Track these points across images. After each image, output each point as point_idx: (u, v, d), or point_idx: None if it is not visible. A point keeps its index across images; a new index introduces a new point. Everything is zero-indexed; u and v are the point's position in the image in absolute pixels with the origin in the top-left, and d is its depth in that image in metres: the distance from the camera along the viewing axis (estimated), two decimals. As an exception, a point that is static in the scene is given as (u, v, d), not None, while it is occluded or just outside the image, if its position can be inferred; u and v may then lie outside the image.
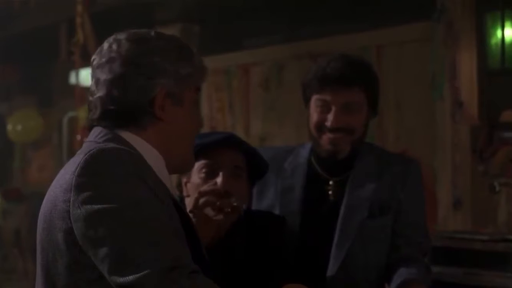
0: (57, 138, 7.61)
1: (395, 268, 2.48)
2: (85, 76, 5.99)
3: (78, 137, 5.67)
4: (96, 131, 1.76)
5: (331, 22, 5.26)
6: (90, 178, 1.59)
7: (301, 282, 1.90)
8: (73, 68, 6.03)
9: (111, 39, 1.80)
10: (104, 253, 1.54)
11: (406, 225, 2.52)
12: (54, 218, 1.64)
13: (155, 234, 1.56)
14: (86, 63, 5.61)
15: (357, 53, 2.73)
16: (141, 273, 1.51)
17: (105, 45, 1.80)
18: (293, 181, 2.59)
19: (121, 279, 1.53)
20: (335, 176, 2.57)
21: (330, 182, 2.56)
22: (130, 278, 1.52)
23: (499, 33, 4.14)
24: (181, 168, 1.89)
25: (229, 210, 2.17)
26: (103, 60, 1.77)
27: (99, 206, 1.56)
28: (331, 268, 2.46)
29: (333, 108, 2.46)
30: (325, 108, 2.47)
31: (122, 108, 1.74)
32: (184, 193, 2.34)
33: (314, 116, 2.50)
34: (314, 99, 2.50)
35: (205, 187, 2.22)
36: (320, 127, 2.48)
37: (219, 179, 2.25)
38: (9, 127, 7.26)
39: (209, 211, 2.17)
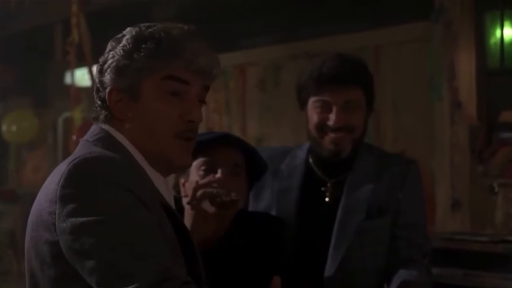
0: (52, 138, 7.58)
1: (394, 270, 2.47)
2: (80, 76, 5.97)
3: (74, 137, 5.64)
4: (91, 129, 1.75)
5: (328, 22, 5.25)
6: (74, 190, 1.56)
7: (299, 284, 1.89)
8: (68, 68, 6.01)
9: None
10: (92, 266, 1.51)
11: (405, 226, 2.51)
12: (40, 229, 1.60)
13: (143, 245, 1.52)
14: (81, 63, 5.61)
15: (355, 54, 2.71)
16: (130, 286, 1.47)
17: None
18: (290, 183, 2.58)
19: None
20: (333, 177, 2.56)
21: (328, 184, 2.54)
22: None
23: (498, 33, 4.13)
24: (169, 168, 1.78)
25: (228, 200, 2.13)
26: None
27: (84, 218, 1.52)
28: (329, 270, 2.45)
29: (334, 108, 2.45)
30: (324, 108, 2.46)
31: (98, 106, 1.75)
32: (182, 193, 2.31)
33: (314, 117, 2.48)
34: (312, 100, 2.49)
35: (204, 180, 2.18)
36: (322, 127, 2.47)
37: (217, 175, 2.22)
38: (4, 127, 7.23)
39: (207, 206, 2.14)
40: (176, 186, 2.34)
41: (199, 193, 2.13)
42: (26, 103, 7.65)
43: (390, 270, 2.48)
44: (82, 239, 1.51)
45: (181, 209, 2.27)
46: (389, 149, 4.07)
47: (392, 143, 4.77)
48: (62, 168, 1.61)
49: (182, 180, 2.32)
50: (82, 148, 1.71)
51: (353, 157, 2.53)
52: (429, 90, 4.48)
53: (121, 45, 1.71)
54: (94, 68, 5.20)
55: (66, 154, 6.54)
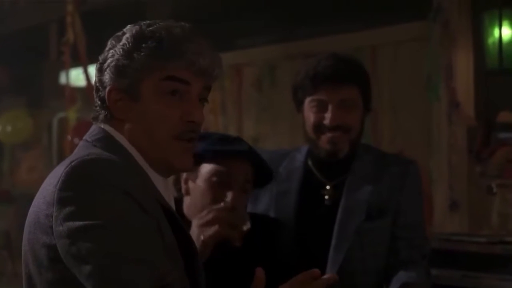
0: (46, 139, 7.57)
1: (394, 272, 2.46)
2: (75, 76, 5.95)
3: (69, 138, 5.62)
4: (91, 129, 1.73)
5: (324, 22, 5.23)
6: (71, 193, 1.53)
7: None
8: (63, 68, 5.99)
9: None
10: (88, 271, 1.48)
11: (405, 227, 2.50)
12: (37, 231, 1.58)
13: (140, 251, 1.49)
14: (76, 63, 5.58)
15: (352, 54, 2.71)
16: None
17: None
18: (289, 185, 2.57)
19: None
20: (332, 179, 2.55)
21: (327, 187, 2.53)
22: None
23: (496, 32, 4.11)
24: (169, 169, 1.74)
25: (245, 230, 2.14)
26: None
27: (81, 222, 1.49)
28: (330, 271, 2.43)
29: (330, 106, 2.44)
30: (320, 108, 2.46)
31: (97, 106, 1.72)
32: (183, 191, 2.29)
33: (310, 117, 2.47)
34: (308, 100, 2.49)
35: (219, 207, 2.16)
36: (318, 127, 2.46)
37: (229, 196, 2.22)
38: (-2, 128, 7.22)
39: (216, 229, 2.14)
40: (177, 183, 2.32)
41: (212, 216, 2.09)
42: (21, 103, 7.64)
43: (389, 271, 2.47)
44: (79, 243, 1.49)
45: (181, 210, 2.25)
46: (386, 150, 4.04)
47: (389, 144, 4.76)
48: (60, 170, 1.58)
49: (184, 176, 2.30)
50: (81, 148, 1.68)
51: (351, 158, 2.52)
52: (427, 90, 4.47)
53: (121, 43, 1.68)
54: (89, 68, 5.19)
55: (61, 154, 6.53)
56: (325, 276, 1.59)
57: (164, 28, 1.67)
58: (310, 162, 2.59)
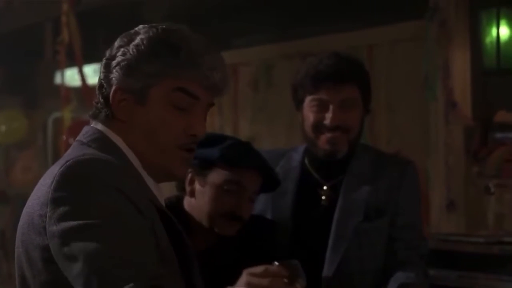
0: (42, 139, 7.56)
1: (392, 272, 2.45)
2: (70, 76, 5.93)
3: (64, 137, 5.60)
4: (84, 130, 1.70)
5: (321, 21, 5.22)
6: (65, 193, 1.51)
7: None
8: (58, 68, 5.97)
9: None
10: (78, 270, 1.46)
11: (403, 228, 2.49)
12: (31, 232, 1.56)
13: (132, 252, 1.47)
14: (71, 62, 5.57)
15: (348, 53, 2.69)
16: None
17: None
18: (285, 185, 2.55)
19: None
20: (330, 179, 2.54)
21: (324, 187, 2.51)
22: None
23: (494, 31, 4.10)
24: (165, 176, 1.73)
25: None
26: None
27: (74, 222, 1.48)
28: (326, 273, 2.43)
29: (331, 106, 2.43)
30: (321, 107, 2.44)
31: (99, 103, 1.70)
32: (188, 193, 2.27)
33: (310, 116, 2.46)
34: (309, 99, 2.47)
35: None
36: (318, 127, 2.45)
37: (240, 206, 2.23)
38: (-7, 128, 7.21)
39: None
40: (181, 182, 2.30)
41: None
42: (16, 103, 7.62)
43: (387, 271, 2.46)
44: (72, 243, 1.47)
45: (180, 211, 2.23)
46: (383, 150, 4.04)
47: (386, 144, 4.76)
48: (54, 170, 1.56)
49: (189, 177, 2.28)
50: (75, 149, 1.66)
51: (349, 158, 2.52)
52: (424, 89, 4.45)
53: (134, 43, 1.65)
54: (85, 68, 5.17)
55: (56, 154, 6.52)
56: None
57: (182, 36, 1.65)
58: (307, 162, 2.57)
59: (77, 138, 1.70)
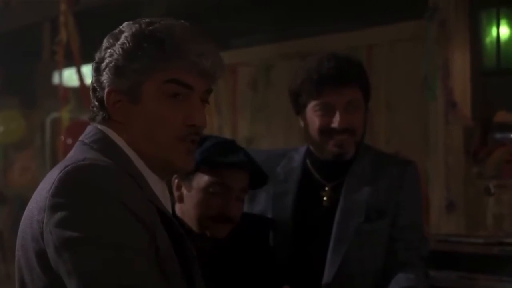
0: (39, 139, 7.54)
1: (392, 274, 2.44)
2: (68, 76, 5.92)
3: (62, 138, 5.58)
4: (87, 130, 1.68)
5: (320, 21, 5.21)
6: (63, 200, 1.49)
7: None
8: (56, 68, 5.96)
9: None
10: (74, 285, 1.46)
11: (403, 228, 2.49)
12: (29, 237, 1.55)
13: (126, 274, 1.46)
14: (69, 63, 5.55)
15: (348, 53, 2.68)
16: None
17: None
18: (286, 186, 2.55)
19: None
20: (331, 180, 2.53)
21: (326, 188, 2.51)
22: None
23: (494, 31, 4.09)
24: (170, 171, 1.72)
25: None
26: None
27: (70, 233, 1.46)
28: (327, 274, 2.42)
29: (338, 109, 2.42)
30: (326, 111, 2.43)
31: (95, 107, 1.68)
32: (176, 198, 2.26)
33: (315, 121, 2.44)
34: (313, 104, 2.45)
35: None
36: (326, 131, 2.42)
37: (227, 207, 2.21)
38: (-9, 128, 7.19)
39: None
40: (169, 188, 2.29)
41: None
42: (14, 104, 7.60)
43: (387, 272, 2.45)
44: (65, 256, 1.46)
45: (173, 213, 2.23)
46: (382, 150, 4.04)
47: (385, 144, 4.74)
48: (54, 174, 1.55)
49: (176, 182, 2.27)
50: (77, 151, 1.65)
51: (351, 158, 2.50)
52: (423, 90, 4.44)
53: (119, 42, 1.63)
54: (83, 68, 5.16)
55: (54, 155, 6.50)
56: None
57: (165, 28, 1.63)
58: (308, 163, 2.56)
59: (80, 138, 1.69)
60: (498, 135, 4.14)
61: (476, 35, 4.24)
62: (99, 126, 1.67)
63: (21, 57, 7.19)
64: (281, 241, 2.48)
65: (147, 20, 1.66)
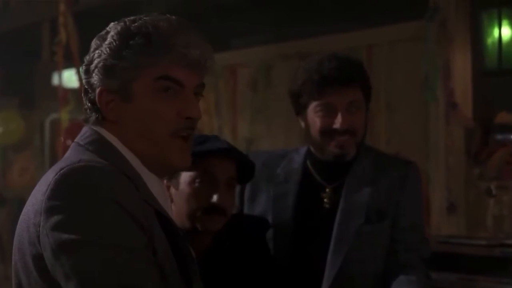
0: (39, 140, 7.54)
1: (394, 275, 2.43)
2: (68, 77, 5.91)
3: (61, 139, 5.57)
4: (82, 131, 1.67)
5: (320, 21, 5.20)
6: (59, 202, 1.48)
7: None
8: (55, 69, 5.95)
9: None
10: None
11: (404, 230, 2.47)
12: (26, 241, 1.54)
13: (124, 274, 1.45)
14: (69, 63, 5.54)
15: (348, 53, 2.67)
16: None
17: None
18: (287, 187, 2.54)
19: None
20: (332, 181, 2.51)
21: (327, 189, 2.49)
22: None
23: (495, 32, 4.09)
24: (167, 169, 1.69)
25: None
26: None
27: (67, 236, 1.45)
28: (328, 276, 2.41)
29: (339, 110, 2.40)
30: (328, 112, 2.42)
31: (88, 108, 1.68)
32: None
33: (317, 122, 2.43)
34: (314, 105, 2.44)
35: None
36: (327, 132, 2.41)
37: (215, 198, 2.17)
38: (-10, 129, 7.18)
39: None
40: None
41: None
42: (13, 104, 7.59)
43: (388, 274, 2.44)
44: (63, 259, 1.45)
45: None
46: (383, 150, 4.03)
47: (386, 145, 4.74)
48: (50, 177, 1.54)
49: (165, 183, 2.25)
50: (72, 152, 1.63)
51: (352, 159, 2.49)
52: (424, 90, 4.44)
53: (106, 42, 1.63)
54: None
55: (53, 156, 6.49)
56: None
57: (150, 23, 1.62)
58: (309, 164, 2.55)
59: (75, 139, 1.68)
60: (499, 136, 4.14)
61: (477, 35, 4.24)
62: (94, 127, 1.66)
63: (20, 57, 7.18)
64: (282, 242, 2.46)
65: (132, 17, 1.66)
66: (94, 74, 1.63)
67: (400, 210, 2.46)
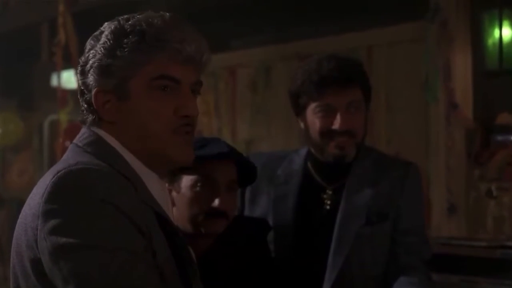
0: (38, 141, 7.53)
1: (395, 277, 2.43)
2: (67, 78, 5.89)
3: (60, 140, 5.56)
4: (81, 132, 1.66)
5: (320, 22, 5.20)
6: (57, 205, 1.47)
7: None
8: (54, 70, 5.94)
9: None
10: None
11: (405, 231, 2.47)
12: (24, 244, 1.53)
13: (123, 277, 1.44)
14: (68, 64, 5.53)
15: (348, 54, 2.66)
16: None
17: None
18: (287, 188, 2.53)
19: None
20: (332, 182, 2.51)
21: (328, 191, 2.49)
22: None
23: (496, 33, 4.08)
24: (169, 165, 1.68)
25: None
26: None
27: (64, 239, 1.44)
28: (328, 278, 2.40)
29: (339, 111, 2.39)
30: (327, 112, 2.41)
31: (84, 110, 1.66)
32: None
33: (316, 123, 2.42)
34: (313, 106, 2.43)
35: None
36: (326, 133, 2.40)
37: (217, 201, 2.16)
38: (-11, 130, 7.18)
39: None
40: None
41: None
42: (12, 105, 7.59)
43: (389, 276, 2.44)
44: (62, 263, 1.44)
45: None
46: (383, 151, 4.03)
47: (386, 146, 4.73)
48: (47, 179, 1.52)
49: (167, 187, 2.24)
50: (70, 154, 1.62)
51: (352, 160, 2.47)
52: (424, 91, 4.43)
53: (101, 42, 1.61)
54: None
55: (52, 157, 6.48)
56: None
57: (143, 20, 1.61)
58: (309, 165, 2.54)
59: (74, 140, 1.67)
60: (500, 137, 4.13)
61: (477, 36, 4.24)
62: (92, 128, 1.65)
63: (19, 58, 7.18)
64: (282, 244, 2.46)
65: (125, 16, 1.65)
66: (89, 75, 1.62)
67: (400, 212, 2.45)
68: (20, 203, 1.64)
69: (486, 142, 4.18)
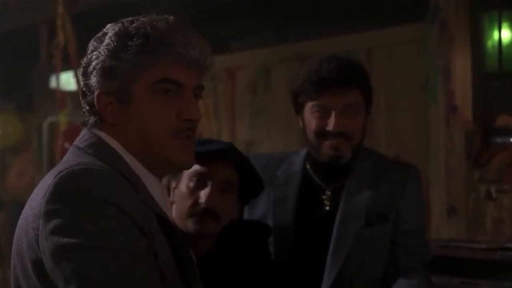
0: (37, 143, 7.53)
1: (394, 279, 2.42)
2: (66, 80, 5.90)
3: (59, 142, 5.56)
4: (81, 134, 1.66)
5: (319, 24, 5.19)
6: (58, 206, 1.47)
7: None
8: (54, 72, 5.93)
9: None
10: None
11: (405, 233, 2.46)
12: (25, 245, 1.52)
13: (125, 277, 1.43)
14: (67, 66, 5.52)
15: (348, 56, 2.65)
16: None
17: None
18: (287, 190, 2.52)
19: None
20: (332, 184, 2.50)
21: (327, 192, 2.48)
22: None
23: (496, 34, 4.08)
24: (170, 168, 1.69)
25: None
26: None
27: (66, 239, 1.44)
28: (327, 278, 2.40)
29: (333, 112, 2.39)
30: (323, 113, 2.40)
31: (86, 111, 1.66)
32: (171, 200, 2.23)
33: (312, 123, 2.42)
34: (310, 105, 2.42)
35: None
36: (321, 133, 2.40)
37: (202, 196, 2.17)
38: (-12, 132, 7.17)
39: None
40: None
41: None
42: (11, 107, 7.58)
43: (389, 278, 2.43)
44: (63, 263, 1.44)
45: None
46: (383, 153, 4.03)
47: (385, 147, 4.73)
48: (48, 180, 1.52)
49: (173, 185, 2.24)
50: (71, 156, 1.62)
51: (352, 162, 2.48)
52: (424, 93, 4.43)
53: (104, 44, 1.61)
54: (80, 71, 5.08)
55: (51, 159, 6.47)
56: None
57: (148, 23, 1.60)
58: (309, 167, 2.54)
59: (74, 142, 1.66)
60: (499, 139, 4.14)
61: (477, 38, 4.25)
62: (93, 130, 1.64)
63: (18, 60, 7.17)
64: (282, 245, 2.45)
65: (129, 18, 1.64)
66: (92, 76, 1.62)
67: (400, 214, 2.44)
68: (19, 205, 1.63)
69: (485, 144, 4.18)
